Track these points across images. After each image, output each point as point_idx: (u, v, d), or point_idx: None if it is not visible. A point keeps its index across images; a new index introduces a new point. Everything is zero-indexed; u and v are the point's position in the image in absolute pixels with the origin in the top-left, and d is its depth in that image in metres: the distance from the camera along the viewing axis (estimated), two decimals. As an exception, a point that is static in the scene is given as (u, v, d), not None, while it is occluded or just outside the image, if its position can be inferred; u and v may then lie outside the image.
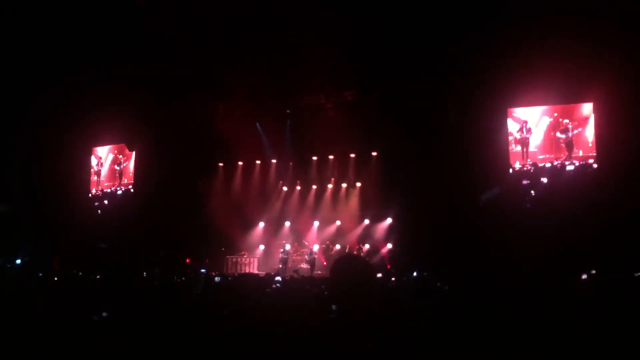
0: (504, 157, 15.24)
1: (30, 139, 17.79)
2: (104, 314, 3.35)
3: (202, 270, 11.72)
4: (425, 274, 8.98)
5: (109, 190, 19.65)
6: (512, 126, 15.48)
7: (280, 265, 17.07)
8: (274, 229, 18.77)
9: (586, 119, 14.83)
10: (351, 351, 2.02)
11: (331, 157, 18.60)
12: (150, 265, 12.13)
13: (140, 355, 3.07)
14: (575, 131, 14.91)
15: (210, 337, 3.09)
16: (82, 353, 2.86)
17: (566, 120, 15.04)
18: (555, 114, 15.17)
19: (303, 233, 18.65)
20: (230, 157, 18.96)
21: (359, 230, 18.12)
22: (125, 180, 19.48)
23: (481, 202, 14.30)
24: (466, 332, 2.46)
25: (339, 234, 18.35)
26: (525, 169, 15.25)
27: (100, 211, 19.40)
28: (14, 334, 3.10)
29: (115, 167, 19.65)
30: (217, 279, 7.81)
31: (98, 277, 8.10)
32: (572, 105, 15.08)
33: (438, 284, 5.55)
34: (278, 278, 7.78)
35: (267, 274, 11.27)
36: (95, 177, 19.91)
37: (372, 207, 17.76)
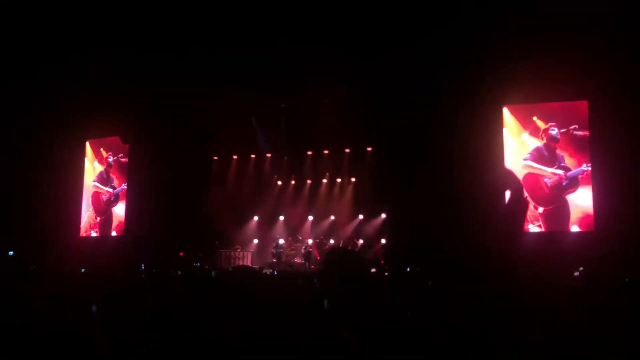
0: (498, 154, 15.22)
1: (22, 132, 17.68)
2: (94, 308, 3.34)
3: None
4: (418, 269, 9.03)
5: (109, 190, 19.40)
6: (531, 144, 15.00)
7: (274, 260, 17.10)
8: (268, 223, 18.77)
9: (583, 119, 14.61)
10: (338, 344, 2.03)
11: (326, 151, 18.59)
12: (141, 259, 12.13)
13: (133, 350, 3.07)
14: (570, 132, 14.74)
15: (205, 333, 3.09)
16: (72, 348, 2.85)
17: (552, 124, 14.89)
18: (552, 123, 14.96)
19: (297, 227, 18.67)
20: (225, 151, 18.93)
21: (353, 225, 18.17)
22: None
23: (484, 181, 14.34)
24: (453, 327, 2.48)
25: (333, 229, 18.39)
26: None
27: (94, 205, 19.32)
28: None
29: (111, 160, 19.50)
30: (212, 273, 7.82)
31: (83, 270, 8.09)
32: (567, 104, 14.93)
33: (428, 279, 5.59)
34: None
35: (260, 268, 11.31)
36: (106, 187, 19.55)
37: (366, 202, 17.80)
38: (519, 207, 14.64)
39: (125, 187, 18.81)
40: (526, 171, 14.84)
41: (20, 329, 3.00)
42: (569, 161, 14.53)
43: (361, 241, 17.59)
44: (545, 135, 14.78)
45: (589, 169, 14.16)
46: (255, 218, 18.77)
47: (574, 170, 14.36)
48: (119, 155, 19.18)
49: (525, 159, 14.89)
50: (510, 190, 14.87)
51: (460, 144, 14.52)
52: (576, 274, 7.69)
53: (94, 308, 3.53)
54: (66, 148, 19.06)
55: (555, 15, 12.56)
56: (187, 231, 17.10)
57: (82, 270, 8.57)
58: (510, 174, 15.01)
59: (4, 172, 17.39)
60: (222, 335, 2.91)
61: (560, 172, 14.45)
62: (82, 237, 19.27)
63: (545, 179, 14.61)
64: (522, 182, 14.81)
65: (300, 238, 18.24)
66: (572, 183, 14.35)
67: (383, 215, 17.51)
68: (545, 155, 14.72)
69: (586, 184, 14.24)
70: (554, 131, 14.65)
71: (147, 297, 4.11)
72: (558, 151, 14.63)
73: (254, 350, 2.58)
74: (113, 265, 12.66)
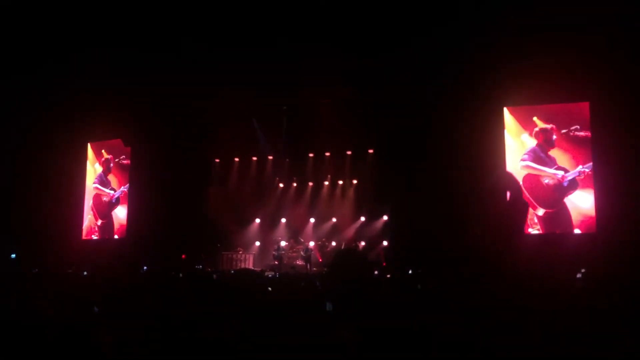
0: (500, 155, 15.20)
1: (22, 133, 17.67)
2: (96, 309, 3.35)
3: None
4: (419, 270, 9.02)
5: (110, 193, 19.33)
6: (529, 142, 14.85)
7: (276, 262, 17.09)
8: (270, 225, 18.77)
9: (585, 120, 14.49)
10: (338, 344, 2.03)
11: (327, 153, 18.58)
12: (143, 261, 12.12)
13: (133, 350, 3.07)
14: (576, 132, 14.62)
15: (205, 333, 3.09)
16: (74, 348, 2.86)
17: (549, 125, 14.85)
18: (551, 125, 14.88)
19: (299, 230, 18.67)
20: (226, 153, 18.92)
21: (354, 227, 18.17)
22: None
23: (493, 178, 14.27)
24: (452, 327, 2.48)
25: (335, 231, 18.38)
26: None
27: (96, 207, 19.29)
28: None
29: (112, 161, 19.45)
30: (214, 276, 7.83)
31: (85, 273, 8.10)
32: (568, 105, 14.86)
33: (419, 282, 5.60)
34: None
35: (262, 270, 11.33)
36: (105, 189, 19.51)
37: (368, 204, 17.79)
38: (520, 208, 14.51)
39: (126, 189, 18.77)
40: (525, 172, 14.67)
41: (24, 330, 3.01)
42: (567, 162, 14.40)
43: (362, 243, 17.57)
44: (539, 135, 14.69)
45: (586, 170, 14.08)
46: (257, 220, 18.78)
47: (573, 171, 14.26)
48: (121, 157, 19.14)
49: (523, 160, 14.71)
50: (511, 191, 14.73)
51: (462, 144, 14.50)
52: (578, 275, 7.69)
53: (95, 309, 3.54)
54: (67, 150, 19.01)
55: (555, 15, 12.54)
56: (189, 233, 17.08)
57: (84, 273, 8.59)
58: (510, 176, 14.83)
59: (5, 173, 17.38)
60: (222, 335, 2.91)
61: (560, 172, 14.38)
62: (84, 239, 19.25)
63: (545, 180, 14.52)
64: (522, 184, 14.67)
65: (302, 240, 18.22)
66: (572, 184, 14.25)
67: (385, 217, 17.49)
68: (542, 156, 14.63)
69: (585, 186, 14.12)
70: (551, 133, 14.59)
71: (147, 297, 4.12)
72: (551, 152, 14.52)
73: (254, 350, 2.59)
74: (115, 267, 12.67)
